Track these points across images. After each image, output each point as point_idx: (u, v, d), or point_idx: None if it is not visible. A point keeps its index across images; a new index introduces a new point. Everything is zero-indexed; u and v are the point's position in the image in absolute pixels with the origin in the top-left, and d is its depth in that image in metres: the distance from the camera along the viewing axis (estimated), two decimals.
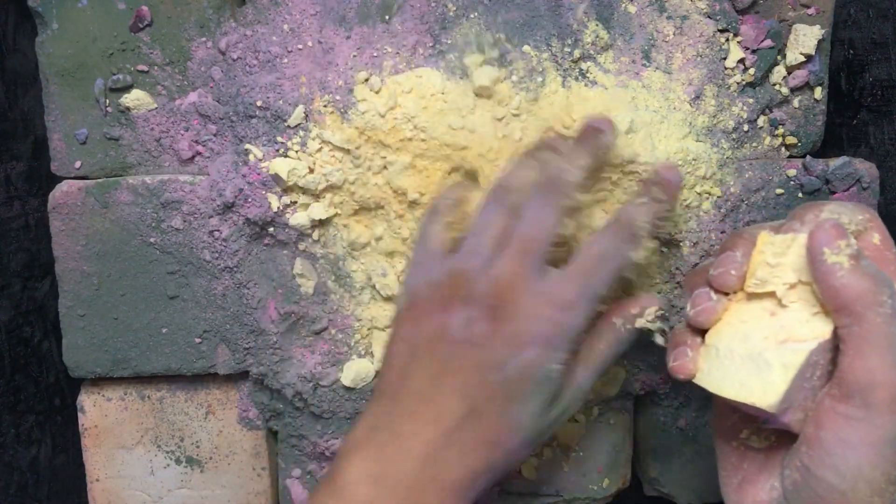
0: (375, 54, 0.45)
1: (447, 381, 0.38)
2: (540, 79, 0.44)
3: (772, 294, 0.37)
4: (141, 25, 0.46)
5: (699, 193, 0.46)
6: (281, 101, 0.45)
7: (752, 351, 0.36)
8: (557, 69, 0.45)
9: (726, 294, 0.39)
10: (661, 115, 0.46)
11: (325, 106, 0.45)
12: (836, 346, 0.35)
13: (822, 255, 0.34)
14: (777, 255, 0.36)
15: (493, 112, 0.44)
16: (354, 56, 0.45)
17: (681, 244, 0.47)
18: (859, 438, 0.33)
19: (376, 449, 0.38)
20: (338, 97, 0.45)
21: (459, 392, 0.38)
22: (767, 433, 0.38)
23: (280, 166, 0.45)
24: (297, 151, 0.45)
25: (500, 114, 0.44)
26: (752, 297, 0.37)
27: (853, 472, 0.33)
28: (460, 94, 0.44)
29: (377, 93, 0.45)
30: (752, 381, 0.36)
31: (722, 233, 0.47)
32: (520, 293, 0.38)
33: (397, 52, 0.45)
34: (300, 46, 0.45)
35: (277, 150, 0.45)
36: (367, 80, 0.45)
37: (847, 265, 0.34)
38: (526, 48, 0.44)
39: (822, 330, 0.35)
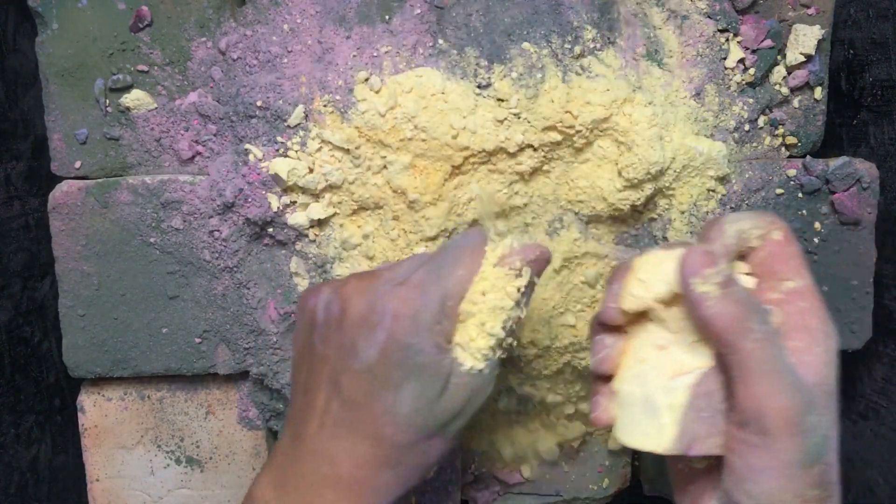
0: (375, 54, 0.45)
1: (321, 371, 0.38)
2: (539, 75, 0.44)
3: (655, 321, 0.36)
4: (141, 25, 0.46)
5: (708, 190, 0.46)
6: (281, 101, 0.45)
7: (646, 393, 0.36)
8: (557, 65, 0.45)
9: (620, 332, 0.38)
10: (666, 109, 0.46)
11: (324, 106, 0.45)
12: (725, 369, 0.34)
13: (690, 285, 0.34)
14: (648, 271, 0.36)
15: (494, 113, 0.44)
16: (354, 56, 0.45)
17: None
18: (763, 464, 0.33)
19: (279, 455, 0.39)
20: (338, 97, 0.45)
21: (330, 380, 0.38)
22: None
23: (280, 166, 0.45)
24: (296, 151, 0.45)
25: (501, 115, 0.44)
26: (644, 332, 0.37)
27: (765, 497, 0.33)
28: (461, 94, 0.44)
29: (377, 92, 0.45)
30: (647, 427, 0.35)
31: None
32: (375, 275, 0.38)
33: (397, 52, 0.45)
34: (300, 46, 0.45)
35: (277, 150, 0.45)
36: (367, 79, 0.45)
37: (715, 293, 0.33)
38: (525, 45, 0.44)
39: (703, 359, 0.35)
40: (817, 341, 0.34)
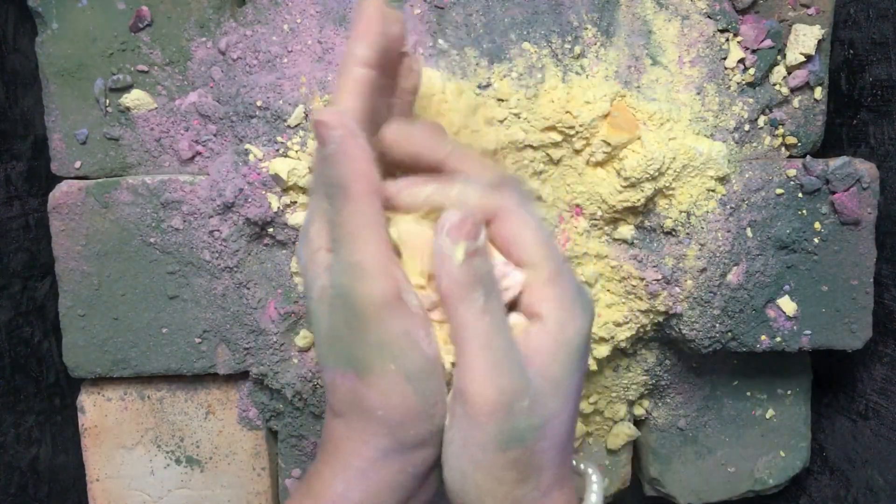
0: None
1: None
2: (539, 75, 0.44)
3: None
4: (141, 25, 0.46)
5: (708, 190, 0.46)
6: (281, 101, 0.45)
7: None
8: (557, 65, 0.45)
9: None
10: (669, 109, 0.46)
11: (324, 106, 0.45)
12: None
13: (442, 246, 0.32)
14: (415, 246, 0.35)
15: (494, 113, 0.44)
16: None
17: (686, 248, 0.47)
18: (461, 437, 0.33)
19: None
20: None
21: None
22: None
23: (280, 166, 0.45)
24: (297, 151, 0.45)
25: (502, 115, 0.44)
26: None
27: (461, 472, 0.33)
28: (461, 94, 0.44)
29: None
30: None
31: (727, 232, 0.47)
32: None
33: None
34: (300, 46, 0.45)
35: (277, 150, 0.45)
36: None
37: (459, 259, 0.32)
38: (525, 45, 0.44)
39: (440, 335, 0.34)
40: (547, 329, 0.33)
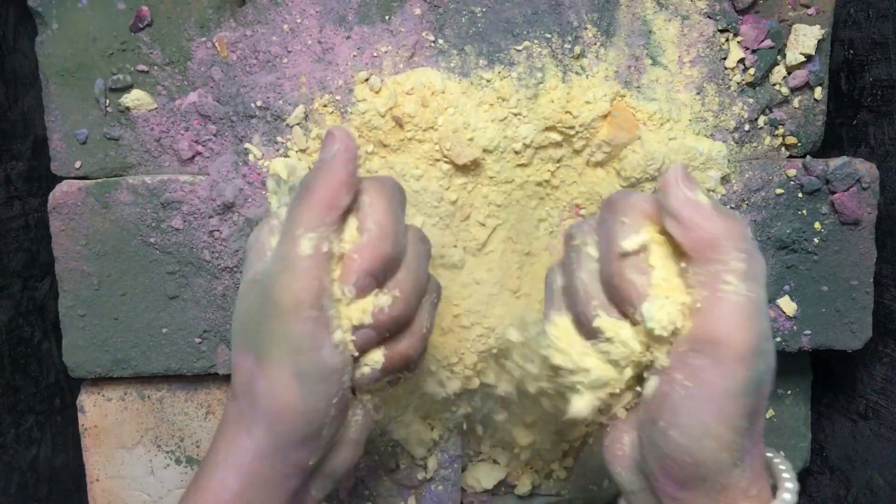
0: (375, 54, 0.45)
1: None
2: (539, 75, 0.44)
3: None
4: (141, 25, 0.46)
5: (708, 190, 0.46)
6: (281, 101, 0.45)
7: None
8: (557, 65, 0.45)
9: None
10: (669, 109, 0.46)
11: (324, 106, 0.45)
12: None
13: (683, 198, 0.33)
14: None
15: (495, 113, 0.44)
16: (354, 56, 0.45)
17: None
18: (708, 391, 0.32)
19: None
20: (338, 97, 0.45)
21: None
22: None
23: (280, 166, 0.45)
24: (297, 151, 0.45)
25: (502, 115, 0.44)
26: None
27: (699, 429, 0.32)
28: (461, 94, 0.44)
29: (377, 93, 0.45)
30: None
31: None
32: None
33: (397, 52, 0.45)
34: (300, 46, 0.45)
35: (277, 150, 0.45)
36: (367, 79, 0.45)
37: (703, 200, 0.33)
38: (525, 44, 0.44)
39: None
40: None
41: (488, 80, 0.44)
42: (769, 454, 0.37)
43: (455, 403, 0.50)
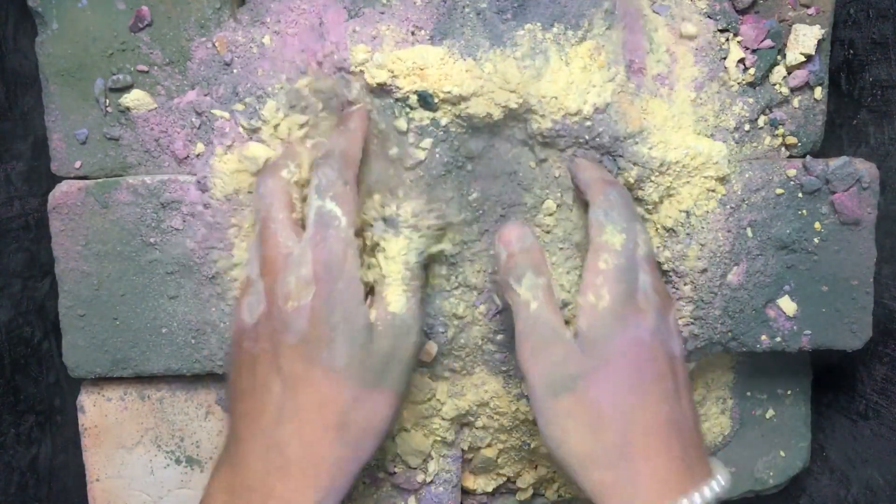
0: (375, 34, 0.44)
1: (258, 366, 0.39)
2: (542, 57, 0.43)
3: None
4: (141, 25, 0.46)
5: (707, 190, 0.46)
6: (274, 99, 0.45)
7: None
8: (560, 51, 0.44)
9: None
10: (668, 108, 0.46)
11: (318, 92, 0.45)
12: None
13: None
14: None
15: (495, 94, 0.43)
16: (355, 32, 0.44)
17: (687, 248, 0.47)
18: (531, 398, 0.40)
19: (227, 458, 0.39)
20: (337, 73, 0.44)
21: (270, 369, 0.38)
22: None
23: (258, 151, 0.45)
24: (273, 136, 0.46)
25: (503, 98, 0.43)
26: None
27: (541, 430, 0.40)
28: (462, 72, 0.43)
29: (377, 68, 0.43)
30: None
31: (728, 232, 0.47)
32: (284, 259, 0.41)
33: (398, 32, 0.44)
34: (299, 46, 0.45)
35: (263, 142, 0.45)
36: (366, 60, 0.43)
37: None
38: (528, 26, 0.43)
39: None
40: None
41: (490, 61, 0.43)
42: (710, 459, 0.40)
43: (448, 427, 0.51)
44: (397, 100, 0.43)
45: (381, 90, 0.43)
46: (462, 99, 0.43)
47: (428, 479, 0.52)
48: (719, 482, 0.38)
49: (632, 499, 0.36)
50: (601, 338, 0.38)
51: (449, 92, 0.42)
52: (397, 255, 0.41)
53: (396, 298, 0.40)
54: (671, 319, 0.42)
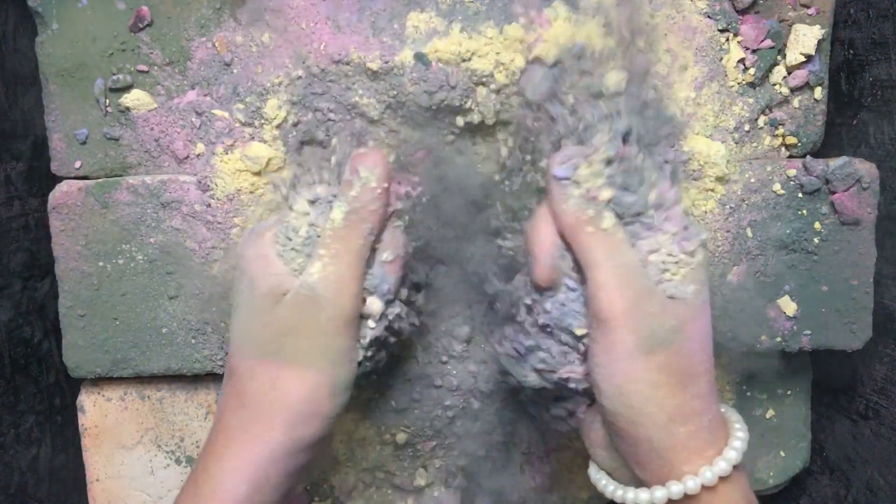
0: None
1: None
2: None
3: None
4: (141, 25, 0.46)
5: (707, 190, 0.46)
6: (274, 98, 0.45)
7: None
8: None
9: None
10: (669, 107, 0.46)
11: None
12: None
13: (555, 177, 0.36)
14: None
15: (502, 55, 0.43)
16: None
17: None
18: (608, 358, 0.35)
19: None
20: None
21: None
22: None
23: (260, 151, 0.45)
24: (276, 139, 0.46)
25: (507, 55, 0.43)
26: None
27: (617, 390, 0.35)
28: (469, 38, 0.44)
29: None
30: None
31: (727, 232, 0.47)
32: None
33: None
34: (299, 46, 0.45)
35: (255, 129, 0.46)
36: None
37: (572, 193, 0.36)
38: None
39: None
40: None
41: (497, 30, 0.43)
42: (723, 409, 0.39)
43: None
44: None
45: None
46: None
47: (427, 482, 0.52)
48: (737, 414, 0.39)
49: (719, 444, 0.35)
50: (700, 286, 0.36)
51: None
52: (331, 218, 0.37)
53: (312, 265, 0.36)
54: None
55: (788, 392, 0.55)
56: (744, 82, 0.47)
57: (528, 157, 0.43)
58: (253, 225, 0.40)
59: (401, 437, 0.51)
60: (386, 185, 0.37)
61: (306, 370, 0.35)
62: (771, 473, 0.56)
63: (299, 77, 0.45)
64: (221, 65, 0.46)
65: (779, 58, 0.48)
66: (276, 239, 0.38)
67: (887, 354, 0.52)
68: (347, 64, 0.44)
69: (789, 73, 0.48)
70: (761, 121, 0.48)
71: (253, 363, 0.36)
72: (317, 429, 0.36)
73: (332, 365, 0.36)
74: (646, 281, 0.35)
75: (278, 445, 0.35)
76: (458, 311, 0.50)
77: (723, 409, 0.39)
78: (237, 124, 0.46)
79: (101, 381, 0.51)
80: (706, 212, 0.47)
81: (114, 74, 0.47)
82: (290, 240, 0.38)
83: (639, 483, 0.37)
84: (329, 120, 0.45)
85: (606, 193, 0.36)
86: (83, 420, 0.52)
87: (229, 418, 0.36)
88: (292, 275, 0.37)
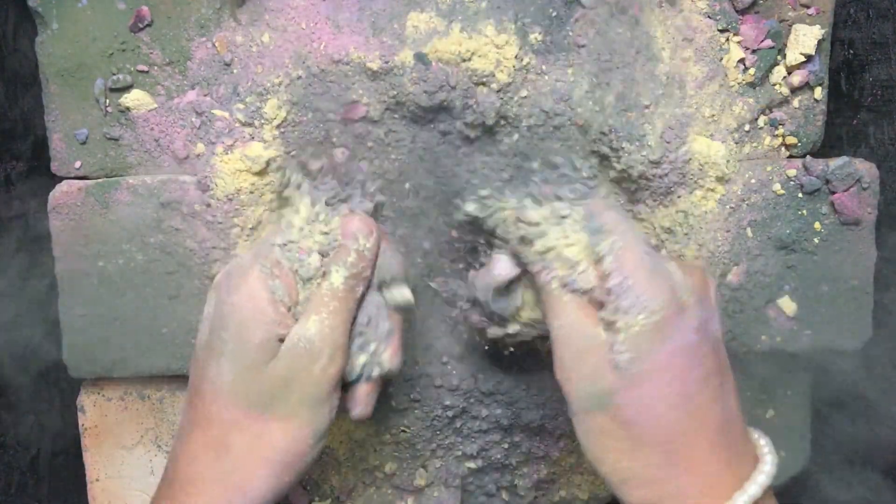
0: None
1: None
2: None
3: None
4: (141, 25, 0.46)
5: (707, 190, 0.46)
6: (274, 98, 0.45)
7: None
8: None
9: None
10: (670, 107, 0.46)
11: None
12: None
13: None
14: None
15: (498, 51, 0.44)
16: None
17: (685, 248, 0.47)
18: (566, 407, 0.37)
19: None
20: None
21: (190, 375, 0.38)
22: None
23: (259, 151, 0.45)
24: (275, 139, 0.46)
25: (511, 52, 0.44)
26: None
27: (578, 437, 0.37)
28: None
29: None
30: None
31: (727, 232, 0.47)
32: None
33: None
34: (298, 46, 0.45)
35: (254, 128, 0.46)
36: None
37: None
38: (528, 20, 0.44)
39: None
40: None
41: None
42: (752, 431, 0.38)
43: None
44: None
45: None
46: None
47: (427, 482, 0.52)
48: (766, 468, 0.35)
49: None
50: (638, 354, 0.34)
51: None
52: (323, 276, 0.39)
53: (308, 319, 0.37)
54: (712, 296, 0.37)
55: (788, 392, 0.55)
56: (744, 82, 0.47)
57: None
58: (227, 266, 0.39)
59: (401, 437, 0.51)
60: (377, 251, 0.40)
61: (291, 421, 0.36)
62: None
63: (299, 77, 0.45)
64: (221, 65, 0.46)
65: (779, 58, 0.48)
66: (264, 278, 0.38)
67: (887, 354, 0.52)
68: (347, 64, 0.44)
69: (789, 73, 0.48)
70: (761, 121, 0.48)
71: (239, 415, 0.36)
72: (298, 474, 0.37)
73: (316, 414, 0.37)
74: (584, 342, 0.35)
75: (258, 493, 0.36)
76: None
77: (752, 432, 0.38)
78: (237, 124, 0.46)
79: (101, 381, 0.51)
80: (706, 212, 0.47)
81: (114, 74, 0.47)
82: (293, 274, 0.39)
83: None
84: (329, 120, 0.45)
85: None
86: (83, 420, 0.52)
87: (203, 470, 0.36)
88: (285, 321, 0.37)
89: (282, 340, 0.37)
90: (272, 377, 0.36)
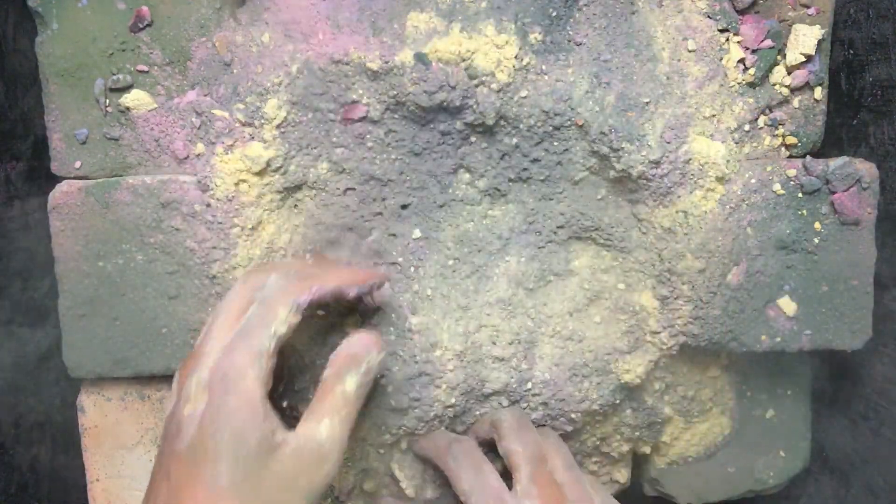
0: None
1: (155, 468, 0.37)
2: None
3: None
4: (141, 25, 0.46)
5: (707, 190, 0.46)
6: (274, 88, 0.45)
7: None
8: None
9: None
10: (670, 107, 0.46)
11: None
12: None
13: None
14: None
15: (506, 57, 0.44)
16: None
17: (685, 248, 0.47)
18: None
19: None
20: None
21: (162, 473, 0.36)
22: None
23: (258, 151, 0.45)
24: (275, 139, 0.46)
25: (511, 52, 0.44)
26: None
27: None
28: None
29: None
30: None
31: (727, 232, 0.47)
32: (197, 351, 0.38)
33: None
34: (298, 46, 0.45)
35: (254, 128, 0.46)
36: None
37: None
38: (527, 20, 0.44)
39: None
40: None
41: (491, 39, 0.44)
42: None
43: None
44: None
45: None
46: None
47: (427, 496, 0.52)
48: None
49: None
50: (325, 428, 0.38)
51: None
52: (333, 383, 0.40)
53: (320, 424, 0.38)
54: None
55: (788, 392, 0.55)
56: (744, 82, 0.47)
57: None
58: (219, 363, 0.37)
59: (401, 438, 0.51)
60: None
61: None
62: (771, 473, 0.56)
63: (299, 77, 0.45)
64: (221, 65, 0.47)
65: (779, 58, 0.48)
66: (261, 380, 0.37)
67: (887, 354, 0.52)
68: (347, 64, 0.44)
69: (789, 73, 0.48)
70: (761, 121, 0.48)
71: None
72: None
73: None
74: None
75: None
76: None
77: None
78: (237, 124, 0.46)
79: (101, 381, 0.51)
80: (706, 212, 0.47)
81: (114, 74, 0.47)
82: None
83: None
84: (329, 120, 0.45)
85: None
86: (83, 420, 0.52)
87: None
88: (282, 425, 0.37)
89: (273, 433, 0.36)
90: (277, 475, 0.36)
